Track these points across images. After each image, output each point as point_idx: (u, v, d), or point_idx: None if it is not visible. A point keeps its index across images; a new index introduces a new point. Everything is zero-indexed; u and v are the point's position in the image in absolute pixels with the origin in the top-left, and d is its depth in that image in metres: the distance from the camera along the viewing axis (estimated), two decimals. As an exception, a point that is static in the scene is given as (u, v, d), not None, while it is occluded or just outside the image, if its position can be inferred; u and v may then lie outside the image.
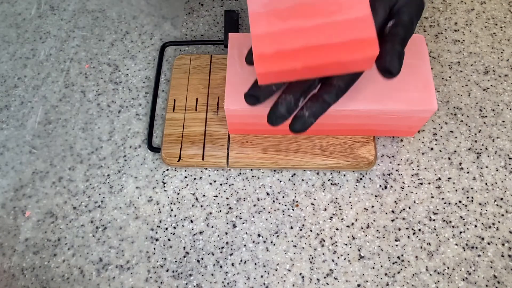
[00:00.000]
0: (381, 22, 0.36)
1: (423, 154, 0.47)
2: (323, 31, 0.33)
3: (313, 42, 0.33)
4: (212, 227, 0.44)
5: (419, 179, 0.46)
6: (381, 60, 0.35)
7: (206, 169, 0.47)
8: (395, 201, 0.45)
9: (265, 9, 0.34)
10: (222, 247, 0.43)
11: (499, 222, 0.43)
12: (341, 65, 0.34)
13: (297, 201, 0.45)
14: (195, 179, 0.47)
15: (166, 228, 0.44)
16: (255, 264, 0.42)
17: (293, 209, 0.45)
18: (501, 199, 0.44)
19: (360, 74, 0.37)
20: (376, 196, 0.45)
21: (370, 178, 0.46)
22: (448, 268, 0.42)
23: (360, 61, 0.34)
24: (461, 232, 0.43)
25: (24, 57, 0.55)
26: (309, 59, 0.33)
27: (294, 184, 0.46)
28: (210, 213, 0.45)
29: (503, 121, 0.48)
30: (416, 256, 0.42)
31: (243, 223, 0.44)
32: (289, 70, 0.34)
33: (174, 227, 0.44)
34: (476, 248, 0.42)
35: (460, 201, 0.44)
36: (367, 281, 0.41)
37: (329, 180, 0.46)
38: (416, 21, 0.36)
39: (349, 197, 0.45)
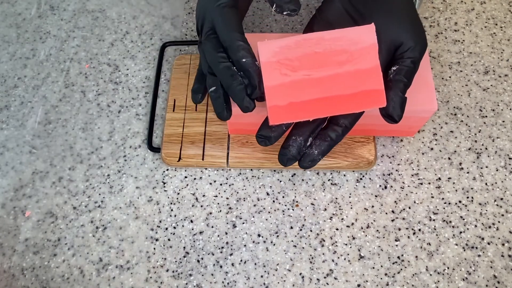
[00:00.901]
0: (384, 63, 0.37)
1: (423, 154, 0.47)
2: (333, 82, 0.35)
3: (323, 94, 0.35)
4: (212, 227, 0.44)
5: (419, 179, 0.46)
6: (384, 108, 0.36)
7: (206, 169, 0.47)
8: (395, 201, 0.45)
9: (276, 58, 0.34)
10: (222, 247, 0.43)
11: (499, 222, 0.43)
12: (351, 114, 0.36)
13: (297, 201, 0.45)
14: (195, 179, 0.47)
15: (166, 228, 0.44)
16: (255, 264, 0.42)
17: (293, 209, 0.45)
18: (501, 199, 0.44)
19: (363, 112, 0.38)
20: (376, 196, 0.45)
21: (370, 178, 0.46)
22: (448, 268, 0.42)
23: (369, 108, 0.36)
24: (461, 232, 0.43)
25: (24, 57, 0.55)
26: (320, 110, 0.35)
27: (294, 184, 0.46)
28: (210, 213, 0.45)
29: (503, 121, 0.48)
30: (416, 256, 0.42)
31: (243, 223, 0.44)
32: (299, 118, 0.35)
33: (174, 227, 0.44)
34: (476, 248, 0.42)
35: (460, 201, 0.44)
36: (367, 281, 0.41)
37: (329, 180, 0.46)
38: (419, 62, 0.37)
39: (349, 197, 0.45)
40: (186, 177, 0.47)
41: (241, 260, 0.43)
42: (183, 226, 0.44)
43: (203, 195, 0.46)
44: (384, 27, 0.36)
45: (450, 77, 0.51)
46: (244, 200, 0.45)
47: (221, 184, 0.46)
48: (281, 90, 0.34)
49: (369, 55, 0.35)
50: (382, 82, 0.35)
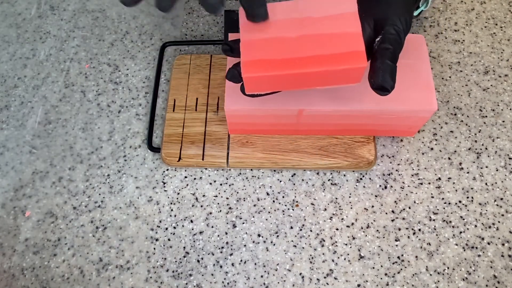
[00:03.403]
0: (367, 39, 0.36)
1: (423, 154, 0.47)
2: (312, 42, 0.34)
3: (301, 53, 0.34)
4: (212, 227, 0.44)
5: (419, 179, 0.46)
6: (373, 78, 0.35)
7: (206, 169, 0.47)
8: (395, 201, 0.45)
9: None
10: (222, 247, 0.43)
11: (499, 222, 0.43)
12: (328, 76, 0.35)
13: (297, 201, 0.45)
14: (195, 179, 0.47)
15: (166, 228, 0.44)
16: (255, 264, 0.42)
17: (293, 209, 0.45)
18: (501, 199, 0.44)
19: None
20: (376, 196, 0.45)
21: (370, 178, 0.46)
22: (448, 268, 0.42)
23: (347, 73, 0.34)
24: (461, 232, 0.43)
25: (24, 57, 0.55)
26: (295, 68, 0.34)
27: (294, 184, 0.46)
28: (210, 213, 0.45)
29: (503, 121, 0.48)
30: (416, 256, 0.42)
31: (243, 223, 0.44)
32: (276, 78, 0.34)
33: (174, 227, 0.44)
34: (476, 248, 0.42)
35: (460, 201, 0.44)
36: (367, 281, 0.41)
37: (329, 180, 0.46)
38: (405, 33, 0.36)
39: (349, 197, 0.45)
40: (186, 177, 0.47)
41: (241, 260, 0.43)
42: (183, 226, 0.44)
43: (203, 195, 0.46)
44: (370, 5, 0.36)
45: (450, 77, 0.51)
46: (244, 200, 0.45)
47: (221, 184, 0.46)
48: (256, 45, 0.34)
49: (349, 21, 0.34)
50: (363, 44, 0.34)
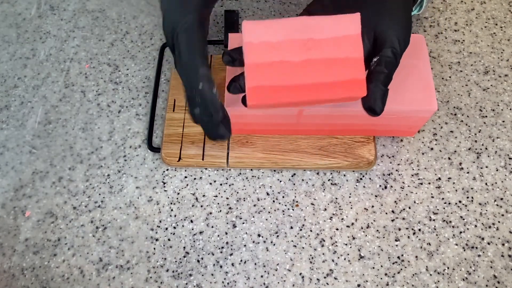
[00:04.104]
0: (367, 54, 0.36)
1: (423, 154, 0.47)
2: (315, 69, 0.34)
3: (304, 79, 0.34)
4: (212, 227, 0.44)
5: (419, 179, 0.46)
6: (365, 99, 0.36)
7: (206, 169, 0.47)
8: (395, 201, 0.45)
9: (259, 40, 0.34)
10: (222, 247, 0.43)
11: (499, 222, 0.43)
12: (328, 101, 0.36)
13: (297, 201, 0.45)
14: (195, 179, 0.47)
15: (166, 228, 0.44)
16: (255, 264, 0.42)
17: (293, 209, 0.45)
18: (501, 199, 0.44)
19: None
20: (376, 196, 0.45)
21: (370, 178, 0.46)
22: (448, 268, 0.42)
23: (348, 98, 0.35)
24: (461, 232, 0.43)
25: (24, 57, 0.55)
26: (299, 96, 0.34)
27: (294, 184, 0.46)
28: (210, 213, 0.45)
29: (503, 121, 0.48)
30: (416, 256, 0.42)
31: (243, 223, 0.44)
32: (279, 104, 0.35)
33: (174, 227, 0.44)
34: (476, 248, 0.42)
35: (460, 201, 0.44)
36: (367, 281, 0.41)
37: (329, 180, 0.46)
38: (400, 55, 0.36)
39: (349, 197, 0.45)
40: (186, 177, 0.47)
41: (241, 260, 0.43)
42: (183, 226, 0.44)
43: (203, 195, 0.46)
44: (371, 18, 0.36)
45: (450, 77, 0.51)
46: (244, 200, 0.45)
47: (221, 184, 0.46)
48: (261, 70, 0.34)
49: (352, 44, 0.34)
50: (364, 71, 0.34)
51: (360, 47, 0.34)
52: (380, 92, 0.35)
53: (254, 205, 0.45)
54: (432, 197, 0.45)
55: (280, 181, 0.46)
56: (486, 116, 0.48)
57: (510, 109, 0.49)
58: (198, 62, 0.34)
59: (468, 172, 0.46)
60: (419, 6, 0.48)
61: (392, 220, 0.44)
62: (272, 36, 0.34)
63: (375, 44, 0.36)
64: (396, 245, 0.43)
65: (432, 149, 0.47)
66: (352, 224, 0.44)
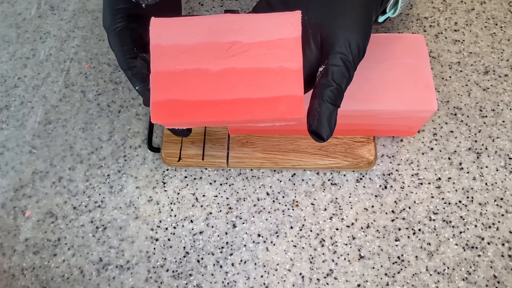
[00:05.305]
0: (313, 60, 0.29)
1: (423, 154, 0.47)
2: (238, 80, 0.27)
3: (223, 94, 0.27)
4: (212, 227, 0.44)
5: (419, 179, 0.46)
6: (309, 120, 0.29)
7: (206, 169, 0.47)
8: (395, 201, 0.45)
9: (170, 42, 0.27)
10: (222, 247, 0.43)
11: (499, 222, 0.43)
12: (255, 122, 0.29)
13: (297, 201, 0.45)
14: (195, 179, 0.47)
15: (166, 228, 0.44)
16: (255, 264, 0.42)
17: (293, 209, 0.45)
18: (501, 199, 0.44)
19: None
20: (376, 196, 0.45)
21: (370, 178, 0.46)
22: (448, 268, 0.42)
23: (280, 119, 0.28)
24: (461, 232, 0.43)
25: (24, 57, 0.55)
26: (216, 115, 0.27)
27: (294, 184, 0.46)
28: (210, 213, 0.45)
29: (503, 121, 0.48)
30: (416, 256, 0.42)
31: (243, 223, 0.44)
32: (190, 123, 0.29)
33: (174, 227, 0.44)
34: (476, 248, 0.42)
35: (460, 201, 0.44)
36: (367, 281, 0.41)
37: (329, 180, 0.46)
38: (355, 63, 0.29)
39: (349, 197, 0.45)
40: (186, 177, 0.47)
41: (241, 260, 0.43)
42: (183, 226, 0.44)
43: (203, 195, 0.46)
44: (318, 15, 0.29)
45: (450, 77, 0.51)
46: (244, 200, 0.45)
47: (221, 184, 0.46)
48: (170, 80, 0.27)
49: (289, 50, 0.28)
50: (302, 86, 0.27)
51: (299, 54, 0.27)
52: (325, 111, 0.28)
53: (254, 205, 0.45)
54: (432, 197, 0.45)
55: (280, 181, 0.46)
56: (486, 116, 0.48)
57: (510, 109, 0.49)
58: (124, 66, 0.33)
59: (468, 172, 0.46)
60: (394, 8, 0.37)
61: (392, 220, 0.44)
62: (186, 38, 0.27)
63: (324, 47, 0.29)
64: (396, 245, 0.43)
65: (432, 149, 0.47)
66: (352, 224, 0.44)
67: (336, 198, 0.45)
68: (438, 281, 0.41)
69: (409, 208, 0.44)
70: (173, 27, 0.28)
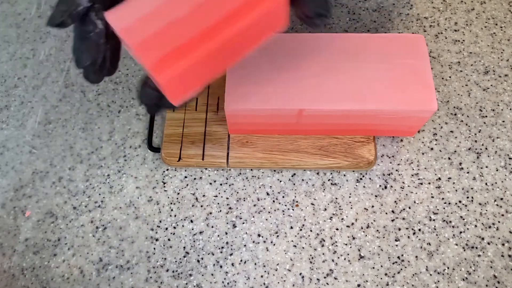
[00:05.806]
0: None
1: (423, 154, 0.47)
2: (216, 9, 0.26)
3: (206, 21, 0.26)
4: (212, 227, 0.44)
5: (419, 179, 0.46)
6: (303, 7, 0.27)
7: (206, 169, 0.47)
8: (395, 201, 0.45)
9: (134, 18, 0.26)
10: (222, 247, 0.43)
11: (499, 222, 0.43)
12: (251, 31, 0.28)
13: (297, 201, 0.45)
14: (195, 179, 0.47)
15: (166, 228, 0.44)
16: (255, 264, 0.42)
17: (293, 209, 0.45)
18: (501, 199, 0.44)
19: None
20: (376, 196, 0.45)
21: (370, 178, 0.46)
22: (448, 268, 0.42)
23: (270, 16, 0.27)
24: (461, 232, 0.43)
25: (24, 57, 0.55)
26: (210, 39, 0.26)
27: (294, 184, 0.46)
28: (210, 213, 0.45)
29: (503, 121, 0.48)
30: (416, 256, 0.42)
31: (243, 223, 0.44)
32: (197, 65, 0.27)
33: (174, 227, 0.44)
34: (476, 248, 0.42)
35: (460, 201, 0.44)
36: (367, 281, 0.41)
37: (329, 180, 0.46)
38: None
39: (349, 197, 0.45)
40: (186, 177, 0.47)
41: (241, 260, 0.43)
42: (183, 226, 0.44)
43: (203, 195, 0.46)
44: None
45: (450, 77, 0.51)
46: (244, 200, 0.45)
47: (221, 184, 0.46)
48: (154, 40, 0.26)
49: None
50: None
51: None
52: None
53: (254, 205, 0.45)
54: (432, 197, 0.45)
55: (280, 181, 0.46)
56: (486, 116, 0.48)
57: (510, 109, 0.49)
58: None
59: (468, 172, 0.46)
60: None
61: (392, 220, 0.44)
62: (145, 5, 0.26)
63: None
64: (396, 245, 0.43)
65: (432, 149, 0.47)
66: (352, 224, 0.44)
67: (336, 198, 0.45)
68: (438, 281, 0.41)
69: (409, 208, 0.44)
70: (129, 10, 0.26)
